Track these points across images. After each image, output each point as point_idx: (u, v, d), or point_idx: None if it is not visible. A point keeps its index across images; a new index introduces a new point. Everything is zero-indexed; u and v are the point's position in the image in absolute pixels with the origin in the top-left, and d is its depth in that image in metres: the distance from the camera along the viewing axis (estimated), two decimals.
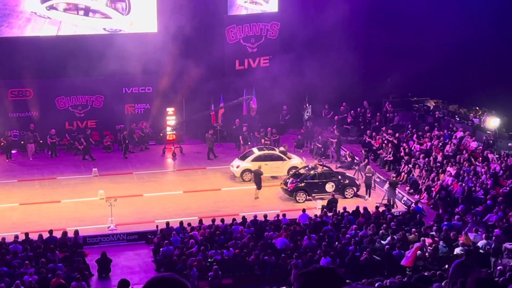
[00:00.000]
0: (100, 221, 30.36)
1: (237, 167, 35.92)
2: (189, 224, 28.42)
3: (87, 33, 38.81)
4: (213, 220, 28.46)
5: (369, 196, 33.47)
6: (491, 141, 36.14)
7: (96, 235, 29.00)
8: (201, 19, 38.98)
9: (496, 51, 40.42)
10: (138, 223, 30.49)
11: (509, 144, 35.98)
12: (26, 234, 27.40)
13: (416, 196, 33.14)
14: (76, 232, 27.44)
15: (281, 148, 37.18)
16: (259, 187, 33.38)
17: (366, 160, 35.86)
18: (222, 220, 28.57)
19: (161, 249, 26.28)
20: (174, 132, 40.14)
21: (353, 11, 40.65)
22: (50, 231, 27.28)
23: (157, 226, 28.78)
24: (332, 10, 39.44)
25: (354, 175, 35.14)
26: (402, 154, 36.88)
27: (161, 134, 40.78)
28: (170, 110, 40.32)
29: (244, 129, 39.62)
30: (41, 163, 38.05)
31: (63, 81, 39.19)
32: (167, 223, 28.35)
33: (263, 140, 39.15)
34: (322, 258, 24.43)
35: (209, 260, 25.14)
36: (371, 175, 34.01)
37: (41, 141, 39.36)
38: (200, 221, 28.80)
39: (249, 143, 38.29)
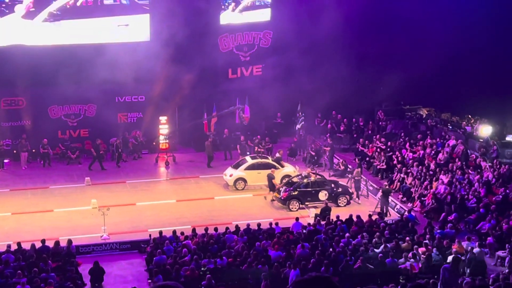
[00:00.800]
0: (93, 230, 30.26)
1: (230, 175, 35.92)
2: (182, 233, 28.35)
3: (80, 42, 38.72)
4: (206, 229, 28.39)
5: (359, 199, 33.86)
6: (491, 150, 36.28)
7: (89, 245, 28.87)
8: (194, 28, 38.97)
9: (488, 60, 40.55)
10: (131, 232, 30.38)
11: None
12: (19, 243, 27.26)
13: (409, 204, 33.16)
14: (69, 241, 27.31)
15: (277, 155, 37.25)
16: (272, 189, 34.19)
17: (359, 169, 35.88)
18: (216, 229, 28.50)
19: (154, 258, 26.18)
20: (167, 140, 40.14)
21: (346, 20, 40.71)
22: (43, 241, 27.16)
23: (150, 235, 28.69)
24: (325, 19, 39.52)
25: (347, 184, 35.18)
26: (395, 162, 36.92)
27: (154, 143, 40.75)
28: (163, 118, 40.38)
29: (242, 139, 39.63)
30: (33, 172, 37.96)
31: (56, 90, 39.08)
32: (160, 232, 28.26)
33: (256, 148, 39.16)
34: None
35: (202, 269, 25.05)
36: (359, 178, 34.50)
37: (33, 150, 39.26)
38: (193, 230, 28.74)
39: (248, 153, 38.22)
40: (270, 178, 34.65)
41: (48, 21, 38.01)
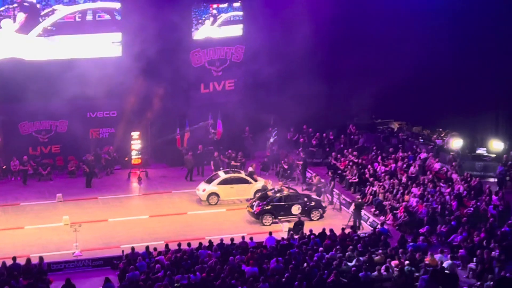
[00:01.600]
0: (65, 247, 30.02)
1: (203, 190, 35.86)
2: (155, 249, 28.20)
3: (51, 57, 38.49)
4: (179, 244, 28.28)
5: (329, 201, 35.02)
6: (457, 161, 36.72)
7: (61, 262, 28.57)
8: (166, 43, 38.93)
9: (458, 74, 40.96)
10: (104, 249, 30.18)
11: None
12: None
13: (382, 218, 33.31)
14: (41, 258, 27.05)
15: (250, 169, 37.28)
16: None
17: (332, 183, 36.03)
18: (189, 244, 28.39)
19: (127, 274, 26.00)
20: (140, 156, 40.03)
21: (317, 35, 40.94)
22: (14, 258, 26.86)
23: (122, 251, 28.50)
24: (297, 34, 39.78)
25: (320, 197, 35.29)
26: (367, 175, 37.09)
27: (126, 159, 40.58)
28: (135, 134, 40.26)
29: (215, 154, 39.63)
30: (4, 189, 37.57)
31: (26, 106, 38.80)
32: (133, 248, 28.09)
33: (233, 162, 39.17)
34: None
35: (175, 285, 24.92)
36: (321, 185, 35.28)
37: (4, 167, 38.89)
38: (166, 246, 28.57)
39: (221, 168, 38.22)
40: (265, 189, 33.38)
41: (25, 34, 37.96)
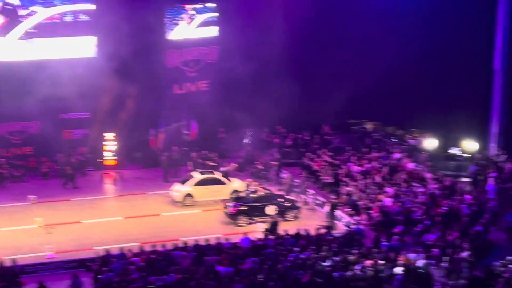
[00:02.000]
0: (38, 249, 29.78)
1: (178, 191, 35.77)
2: (129, 250, 28.06)
3: (25, 59, 38.17)
4: (154, 246, 28.16)
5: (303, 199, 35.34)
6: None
7: (34, 264, 28.35)
8: (140, 44, 38.76)
9: (431, 74, 41.28)
10: (77, 251, 29.95)
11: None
12: None
13: (356, 217, 33.44)
14: (13, 261, 26.82)
15: (224, 169, 37.18)
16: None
17: (307, 183, 36.09)
18: (163, 246, 28.31)
19: (101, 276, 25.85)
20: (113, 157, 39.84)
21: (292, 36, 41.08)
22: None
23: (96, 253, 28.34)
24: (271, 35, 39.86)
25: (290, 195, 35.38)
26: (341, 176, 37.20)
27: (99, 160, 40.35)
28: (109, 135, 40.04)
29: (193, 155, 39.53)
30: None
31: None
32: (107, 250, 27.94)
33: (210, 162, 39.09)
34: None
35: (150, 286, 24.81)
36: (291, 183, 35.87)
37: None
38: (141, 247, 28.47)
39: (197, 169, 38.12)
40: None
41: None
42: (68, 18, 38.58)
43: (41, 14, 37.93)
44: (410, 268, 25.50)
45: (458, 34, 40.20)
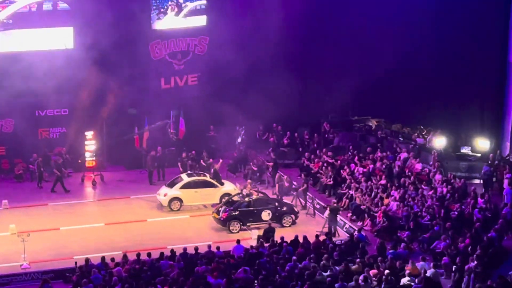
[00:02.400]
0: (12, 258, 29.77)
1: (165, 195, 35.74)
2: (112, 260, 28.03)
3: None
4: (139, 255, 28.15)
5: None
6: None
7: (7, 275, 28.39)
8: (122, 34, 38.70)
9: (440, 67, 41.30)
10: (55, 260, 29.97)
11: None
12: None
13: (359, 223, 33.44)
14: None
15: (214, 168, 37.10)
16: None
17: (305, 185, 36.08)
18: (149, 254, 28.29)
19: None
20: (94, 158, 39.76)
21: (289, 27, 41.06)
22: None
23: (75, 263, 28.30)
24: (267, 25, 39.84)
25: (292, 202, 35.35)
26: (343, 177, 37.18)
27: (79, 161, 40.30)
28: (89, 134, 39.97)
29: (183, 155, 39.50)
30: None
31: None
32: (87, 259, 27.87)
33: (201, 161, 39.05)
34: None
35: None
36: (282, 183, 35.75)
37: None
38: (124, 256, 28.46)
39: (188, 171, 38.10)
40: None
41: None
42: (47, 6, 38.45)
43: (19, 2, 37.75)
44: (422, 279, 25.39)
45: (470, 25, 40.26)
